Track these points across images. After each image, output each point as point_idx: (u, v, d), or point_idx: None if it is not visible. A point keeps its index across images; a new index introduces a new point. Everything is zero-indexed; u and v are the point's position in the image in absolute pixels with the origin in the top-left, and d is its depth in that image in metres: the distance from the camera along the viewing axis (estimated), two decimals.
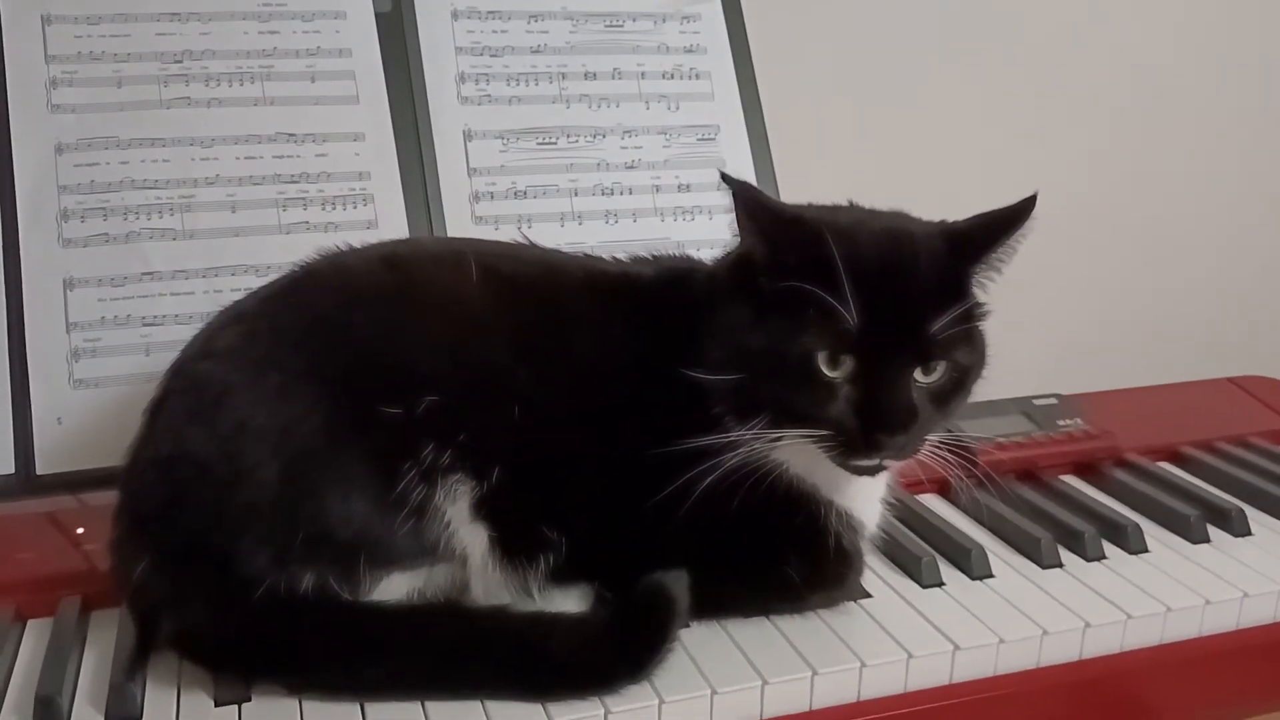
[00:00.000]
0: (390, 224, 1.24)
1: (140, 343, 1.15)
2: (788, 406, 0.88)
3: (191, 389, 0.90)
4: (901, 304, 0.87)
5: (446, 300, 0.93)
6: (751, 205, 0.89)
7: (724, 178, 0.89)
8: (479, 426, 0.89)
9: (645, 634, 0.88)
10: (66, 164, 1.18)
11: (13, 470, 1.10)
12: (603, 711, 0.85)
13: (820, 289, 0.85)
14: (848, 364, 0.87)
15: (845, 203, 0.97)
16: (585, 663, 0.87)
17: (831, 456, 0.89)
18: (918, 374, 0.88)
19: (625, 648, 0.88)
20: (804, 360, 0.86)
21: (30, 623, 0.98)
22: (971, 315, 0.91)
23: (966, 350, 0.90)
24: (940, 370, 0.89)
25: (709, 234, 1.33)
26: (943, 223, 0.93)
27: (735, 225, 0.91)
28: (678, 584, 0.89)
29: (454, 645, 0.88)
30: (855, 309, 0.85)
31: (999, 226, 0.90)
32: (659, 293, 0.99)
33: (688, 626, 0.95)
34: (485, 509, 0.90)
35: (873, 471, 0.92)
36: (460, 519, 0.90)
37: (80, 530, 1.06)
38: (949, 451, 0.94)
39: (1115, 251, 1.90)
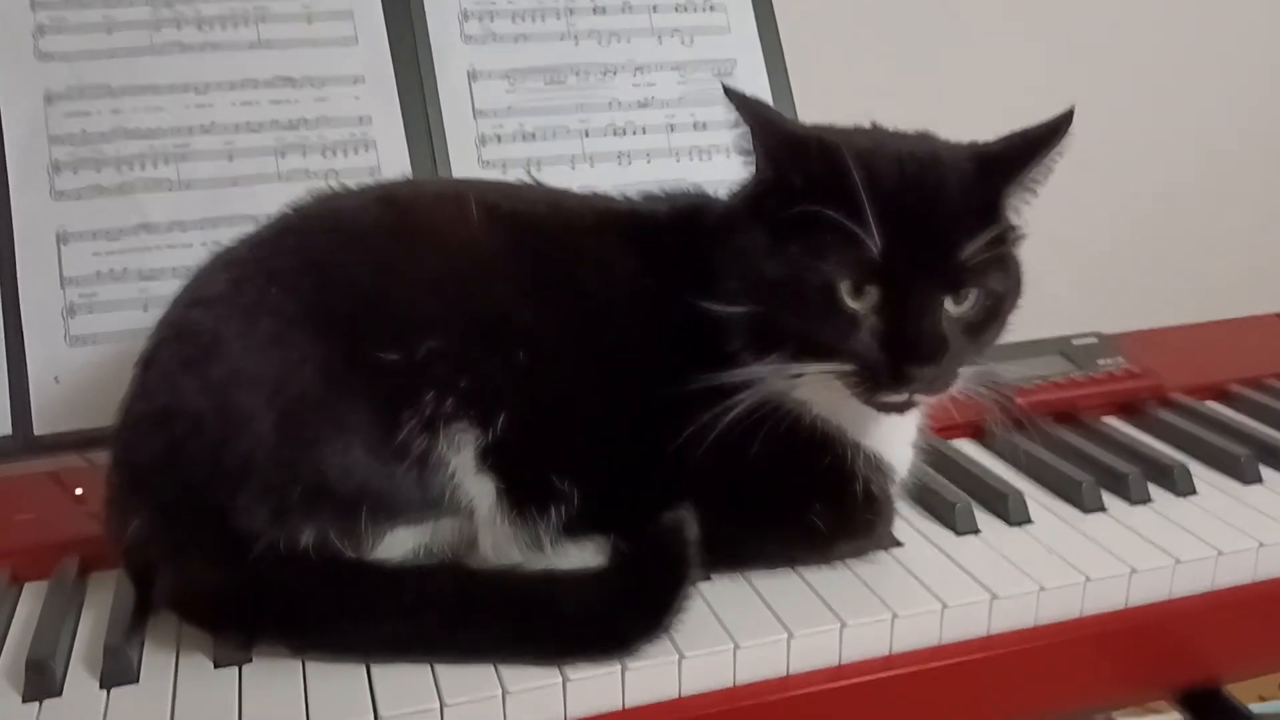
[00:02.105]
0: (393, 170, 1.19)
1: (138, 297, 1.11)
2: (808, 339, 0.83)
3: (181, 338, 0.87)
4: (929, 229, 0.82)
5: (446, 240, 0.89)
6: (763, 124, 0.84)
7: (728, 93, 0.83)
8: (482, 372, 0.85)
9: (658, 586, 0.83)
10: (57, 114, 1.13)
11: (10, 431, 1.06)
12: (620, 668, 0.81)
13: (840, 214, 0.80)
14: (872, 294, 0.82)
15: (868, 125, 0.91)
16: (597, 624, 0.83)
17: (857, 393, 0.84)
18: (948, 303, 0.83)
19: (639, 604, 0.83)
20: (825, 290, 0.81)
21: (27, 585, 0.95)
22: (1005, 240, 0.86)
23: (1000, 276, 0.85)
24: (972, 298, 0.84)
25: (727, 174, 1.26)
26: (972, 144, 0.88)
27: (743, 144, 0.86)
28: (688, 525, 0.84)
29: (460, 606, 0.84)
30: (879, 235, 0.80)
31: (1033, 145, 0.85)
32: (671, 228, 0.95)
33: (708, 579, 0.91)
34: (491, 459, 0.85)
35: (901, 409, 0.86)
36: (465, 470, 0.85)
37: (79, 491, 1.03)
38: (984, 388, 0.88)
39: (1158, 181, 1.82)
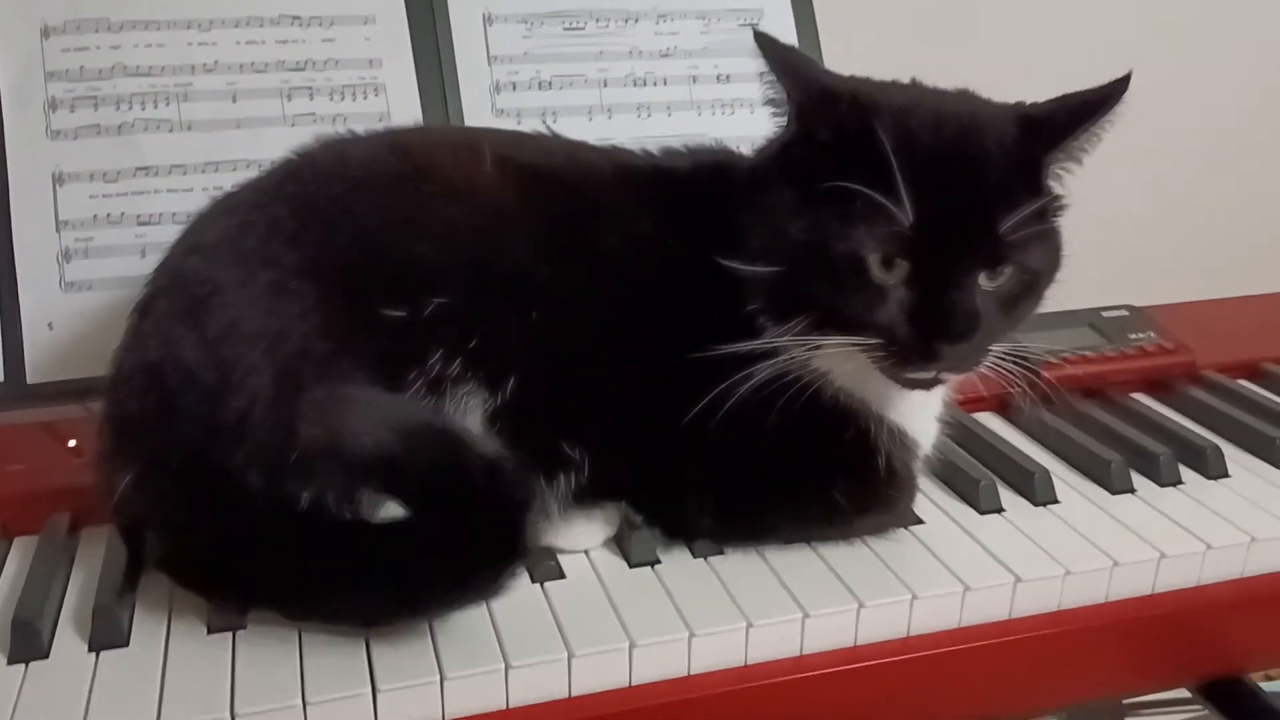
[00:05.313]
0: (403, 116, 1.15)
1: (135, 243, 1.07)
2: (832, 309, 0.79)
3: (178, 288, 0.83)
4: (966, 199, 0.78)
5: (457, 191, 0.85)
6: (793, 75, 0.80)
7: (758, 38, 0.79)
8: (493, 332, 0.81)
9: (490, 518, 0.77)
10: (53, 48, 1.09)
11: (2, 379, 1.03)
12: (627, 644, 0.79)
13: (870, 184, 0.75)
14: (903, 266, 0.78)
15: (907, 81, 0.86)
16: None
17: (882, 367, 0.80)
18: (982, 278, 0.79)
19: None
20: (852, 261, 0.77)
21: (16, 540, 0.93)
22: (1047, 212, 0.81)
23: (1040, 251, 0.81)
24: (1008, 274, 0.79)
25: (751, 129, 1.21)
26: (1017, 105, 0.83)
27: (771, 95, 0.82)
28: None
29: None
30: (911, 206, 0.75)
31: (1085, 110, 0.80)
32: (693, 186, 0.91)
33: (721, 553, 0.88)
34: (499, 423, 0.82)
35: (928, 385, 0.83)
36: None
37: (72, 442, 1.00)
38: (1012, 363, 0.84)
39: (1195, 148, 1.76)
